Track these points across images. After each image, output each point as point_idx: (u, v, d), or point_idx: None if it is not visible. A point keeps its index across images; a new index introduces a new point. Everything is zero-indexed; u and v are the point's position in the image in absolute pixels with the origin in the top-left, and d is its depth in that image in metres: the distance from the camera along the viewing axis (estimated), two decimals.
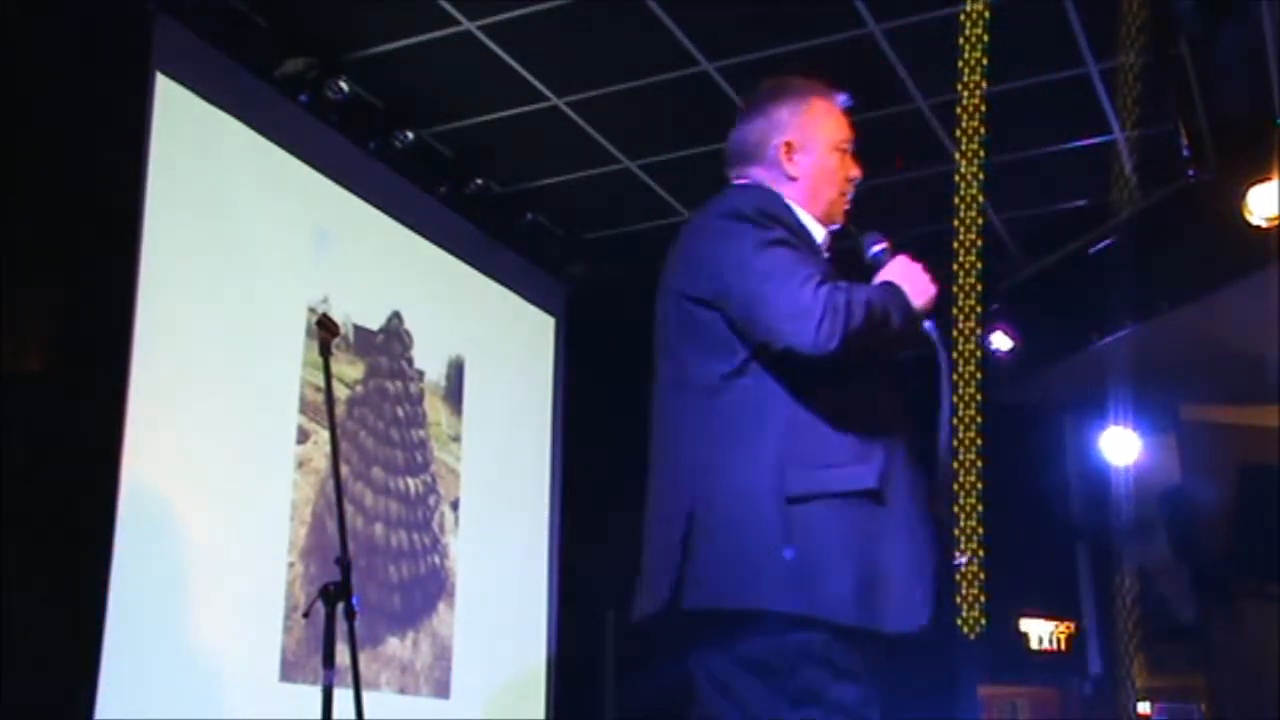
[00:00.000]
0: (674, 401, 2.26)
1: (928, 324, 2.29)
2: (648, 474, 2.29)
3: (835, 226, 2.43)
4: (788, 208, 2.31)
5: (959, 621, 5.87)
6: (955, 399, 5.51)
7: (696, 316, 2.22)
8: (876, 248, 2.38)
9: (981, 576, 5.70)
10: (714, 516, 2.12)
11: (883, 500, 2.13)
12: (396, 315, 5.35)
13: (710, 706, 2.15)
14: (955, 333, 5.34)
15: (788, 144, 2.37)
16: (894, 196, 5.80)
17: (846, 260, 2.39)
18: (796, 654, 2.07)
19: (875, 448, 2.16)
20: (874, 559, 2.09)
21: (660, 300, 2.33)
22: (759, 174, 2.39)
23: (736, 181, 2.43)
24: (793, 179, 2.37)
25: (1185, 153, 4.77)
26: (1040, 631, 6.57)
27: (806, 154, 2.38)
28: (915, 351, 2.30)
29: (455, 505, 5.57)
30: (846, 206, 2.44)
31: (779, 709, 2.08)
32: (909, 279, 2.28)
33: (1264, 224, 4.71)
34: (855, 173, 2.45)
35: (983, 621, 5.78)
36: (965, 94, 4.63)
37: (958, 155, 4.88)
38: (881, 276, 2.31)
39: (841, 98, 2.48)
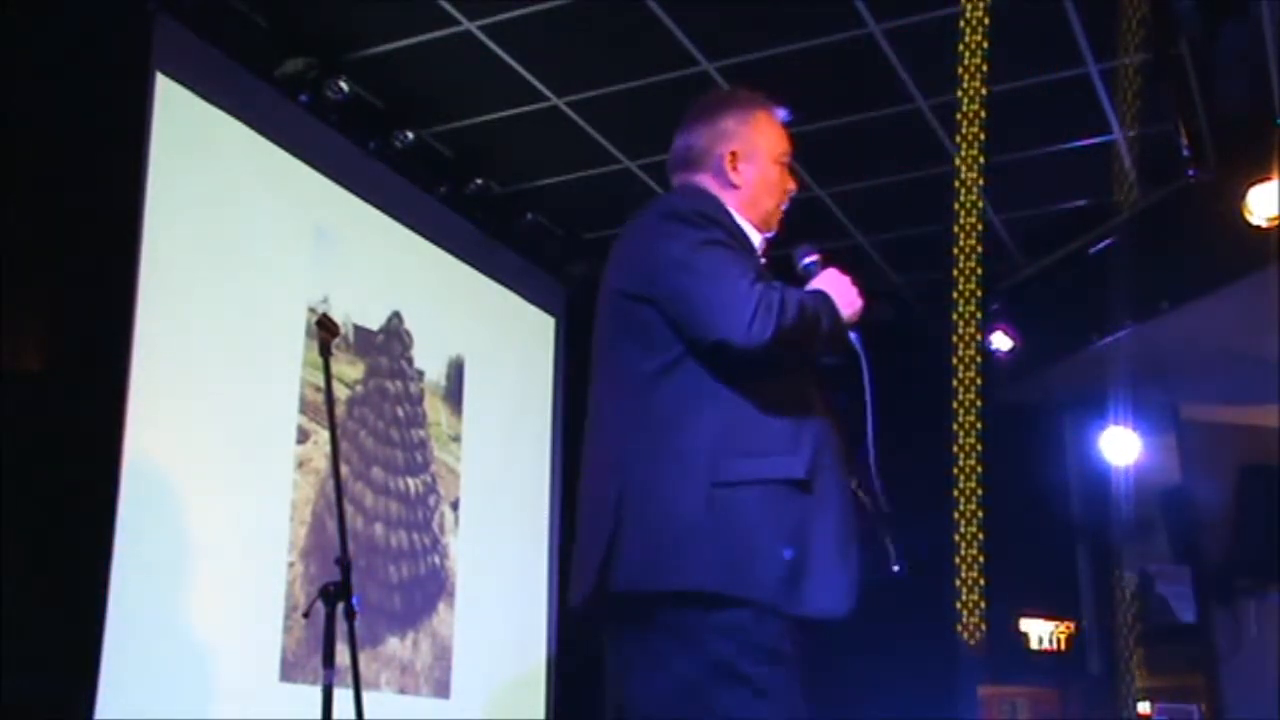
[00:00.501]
0: (608, 398, 2.33)
1: (853, 335, 2.38)
2: (581, 470, 2.35)
3: (771, 234, 2.52)
4: (727, 212, 2.39)
5: (958, 623, 5.88)
6: (955, 395, 5.52)
7: (633, 314, 2.28)
8: (808, 260, 2.47)
9: (981, 568, 5.71)
10: (643, 502, 2.18)
11: (811, 490, 2.20)
12: (396, 315, 5.35)
13: (637, 685, 2.21)
14: (955, 317, 5.34)
15: (733, 153, 2.46)
16: (896, 196, 5.83)
17: (779, 267, 2.47)
18: (721, 631, 2.11)
19: (804, 441, 2.23)
20: (799, 544, 2.16)
21: (599, 300, 2.39)
22: (703, 180, 2.47)
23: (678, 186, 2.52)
24: (736, 187, 2.45)
25: (1185, 153, 4.77)
26: (1040, 631, 6.57)
27: (750, 164, 2.47)
28: (839, 360, 2.38)
29: (455, 505, 5.57)
30: (780, 216, 2.53)
31: (703, 686, 2.12)
32: (838, 290, 2.36)
33: (1264, 224, 4.71)
34: (792, 186, 2.54)
35: (982, 628, 5.78)
36: (966, 78, 4.62)
37: (958, 138, 4.88)
38: (812, 286, 2.38)
39: (782, 112, 2.55)
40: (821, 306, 2.29)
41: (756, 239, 2.46)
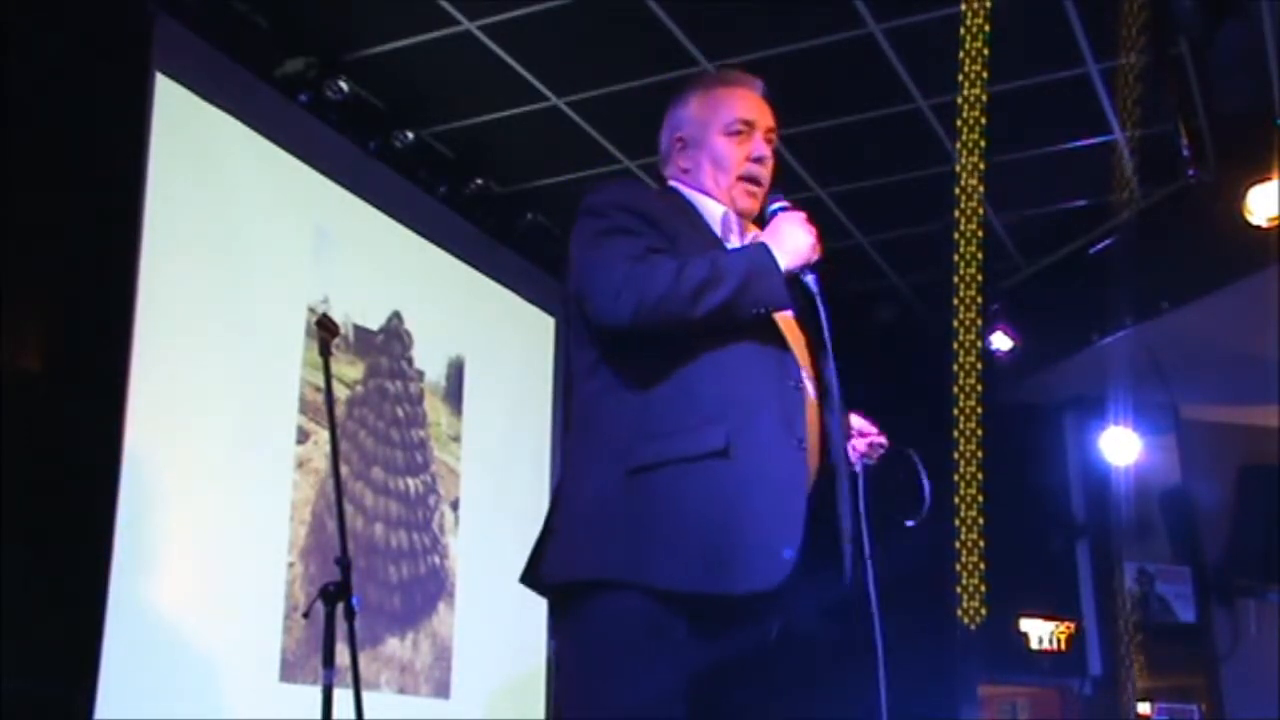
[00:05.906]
0: (569, 396, 2.40)
1: (809, 277, 2.27)
2: None
3: (745, 207, 2.41)
4: (663, 192, 2.41)
5: (959, 615, 5.88)
6: (957, 396, 5.52)
7: (572, 310, 2.31)
8: (774, 205, 2.36)
9: (982, 568, 5.71)
10: (569, 495, 2.23)
11: (730, 457, 2.09)
12: (396, 315, 5.35)
13: (560, 670, 2.29)
14: (956, 324, 5.35)
15: (679, 140, 2.45)
16: (896, 196, 5.83)
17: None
18: (617, 621, 2.08)
19: (729, 407, 2.13)
20: (724, 521, 2.07)
21: None
22: (666, 173, 2.49)
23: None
24: (686, 172, 2.43)
25: (1185, 153, 4.77)
26: (1040, 631, 6.58)
27: (697, 147, 2.42)
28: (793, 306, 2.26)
29: (455, 505, 5.57)
30: (752, 189, 2.40)
31: (594, 678, 2.12)
32: (785, 236, 2.24)
33: (1264, 224, 4.72)
34: (758, 151, 2.40)
35: (983, 612, 5.78)
36: (966, 86, 4.63)
37: (958, 146, 4.88)
38: (761, 236, 2.29)
39: (749, 82, 2.46)
40: (730, 268, 2.15)
41: (716, 214, 2.38)
